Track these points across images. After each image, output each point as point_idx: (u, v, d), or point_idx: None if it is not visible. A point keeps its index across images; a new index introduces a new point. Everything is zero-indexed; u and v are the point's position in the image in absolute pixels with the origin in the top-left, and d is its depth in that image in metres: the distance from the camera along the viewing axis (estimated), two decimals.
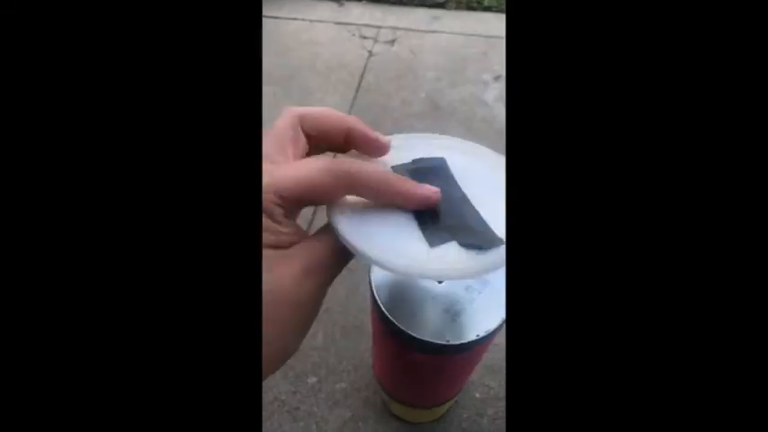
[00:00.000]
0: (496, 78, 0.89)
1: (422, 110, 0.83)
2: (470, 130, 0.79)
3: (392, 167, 0.21)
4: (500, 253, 0.18)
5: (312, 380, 0.51)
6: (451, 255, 0.18)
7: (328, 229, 0.18)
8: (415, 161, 0.21)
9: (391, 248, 0.18)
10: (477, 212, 0.20)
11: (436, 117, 0.82)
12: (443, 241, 0.18)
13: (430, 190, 0.19)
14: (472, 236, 0.19)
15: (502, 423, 0.49)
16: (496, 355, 0.52)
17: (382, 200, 0.19)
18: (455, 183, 0.21)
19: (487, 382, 0.51)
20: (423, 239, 0.18)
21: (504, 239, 0.18)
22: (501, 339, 0.53)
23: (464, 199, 0.20)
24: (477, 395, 0.50)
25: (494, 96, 0.86)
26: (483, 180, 0.21)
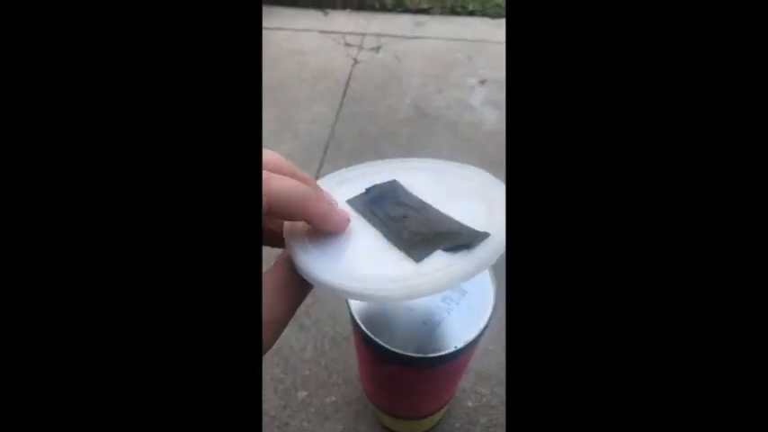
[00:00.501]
0: (482, 82, 0.89)
1: (408, 116, 0.83)
2: (457, 135, 0.79)
3: (347, 201, 0.21)
4: (489, 246, 0.17)
5: (302, 394, 0.51)
6: (442, 263, 0.17)
7: (282, 261, 0.18)
8: (367, 190, 0.21)
9: (381, 275, 0.17)
10: (444, 215, 0.19)
11: (422, 123, 0.82)
12: (428, 252, 0.17)
13: (343, 216, 0.19)
14: (453, 238, 0.18)
15: (495, 431, 0.48)
16: (488, 361, 0.52)
17: (300, 219, 0.18)
18: (412, 195, 0.21)
19: (479, 390, 0.50)
20: (406, 257, 0.18)
21: (487, 232, 0.18)
22: (492, 346, 0.53)
23: (425, 206, 0.20)
24: (470, 404, 0.50)
25: (480, 100, 0.86)
26: (444, 189, 0.21)
